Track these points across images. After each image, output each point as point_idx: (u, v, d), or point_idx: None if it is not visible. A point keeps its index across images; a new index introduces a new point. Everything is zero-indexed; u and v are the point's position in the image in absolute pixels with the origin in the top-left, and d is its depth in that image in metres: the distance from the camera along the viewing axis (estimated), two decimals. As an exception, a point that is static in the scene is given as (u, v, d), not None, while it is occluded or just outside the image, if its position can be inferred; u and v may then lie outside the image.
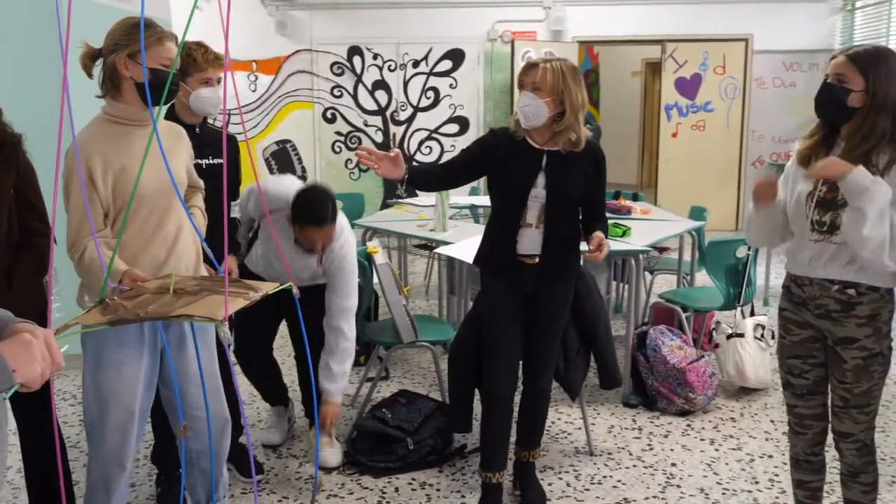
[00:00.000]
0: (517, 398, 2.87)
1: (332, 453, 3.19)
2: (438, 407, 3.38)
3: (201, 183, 2.57)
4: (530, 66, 2.60)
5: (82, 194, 2.09)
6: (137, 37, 2.10)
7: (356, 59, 8.86)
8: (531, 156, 2.65)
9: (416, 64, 8.84)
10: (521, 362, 2.86)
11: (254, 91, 8.75)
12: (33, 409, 2.30)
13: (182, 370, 2.29)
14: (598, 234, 2.62)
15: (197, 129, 2.82)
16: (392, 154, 2.51)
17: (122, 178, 2.15)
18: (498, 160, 2.69)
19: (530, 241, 2.68)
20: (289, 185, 3.03)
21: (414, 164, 2.71)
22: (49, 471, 2.37)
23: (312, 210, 2.90)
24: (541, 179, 2.64)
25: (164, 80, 2.08)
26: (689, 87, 8.88)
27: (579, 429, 3.56)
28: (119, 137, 2.18)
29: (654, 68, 11.37)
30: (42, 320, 2.19)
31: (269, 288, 1.41)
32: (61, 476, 1.53)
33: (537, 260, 2.68)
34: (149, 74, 2.12)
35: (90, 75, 2.24)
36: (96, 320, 1.29)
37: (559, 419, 3.68)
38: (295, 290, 1.48)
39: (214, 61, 2.76)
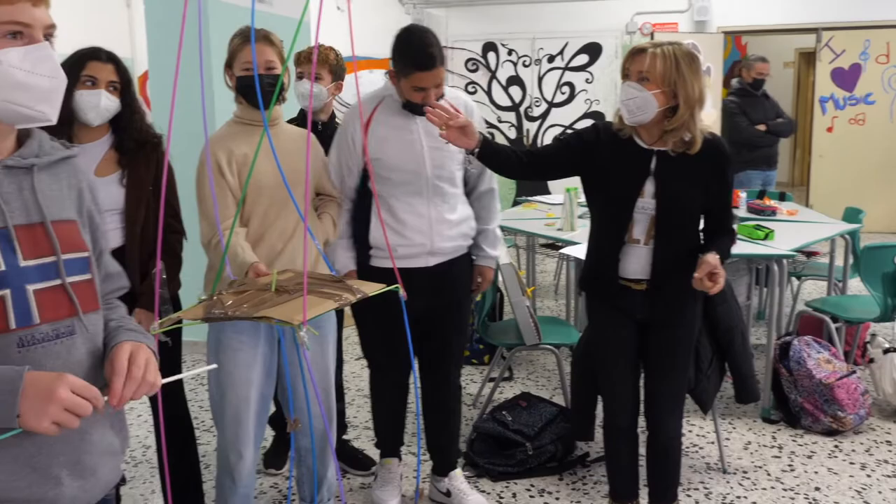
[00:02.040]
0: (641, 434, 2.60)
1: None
2: (560, 412, 3.28)
3: (337, 193, 2.58)
4: (637, 52, 2.23)
5: (216, 189, 2.22)
6: (230, 46, 2.31)
7: (490, 56, 8.83)
8: (638, 158, 2.29)
9: (551, 59, 8.71)
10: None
11: (390, 89, 8.91)
12: (164, 393, 2.41)
13: (297, 364, 2.33)
14: (710, 258, 2.15)
15: (319, 126, 2.92)
16: (461, 122, 2.25)
17: (246, 168, 2.25)
18: (600, 162, 2.33)
19: (636, 262, 2.32)
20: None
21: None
22: (178, 452, 2.48)
23: (417, 49, 2.40)
24: (649, 187, 2.27)
25: (250, 84, 2.25)
26: (847, 77, 8.22)
27: (712, 443, 3.35)
28: (244, 136, 2.30)
29: (807, 58, 10.65)
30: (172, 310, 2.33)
31: (370, 289, 1.37)
32: (166, 460, 1.56)
33: (645, 286, 2.33)
34: (234, 82, 2.31)
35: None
36: (196, 315, 1.31)
37: (690, 431, 3.48)
38: (402, 293, 1.43)
39: (305, 60, 3.06)
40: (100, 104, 2.21)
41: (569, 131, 8.64)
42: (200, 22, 1.47)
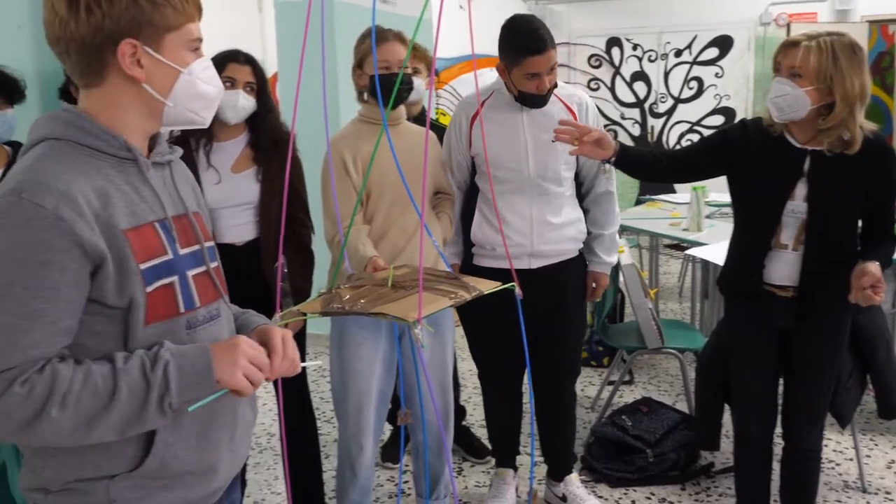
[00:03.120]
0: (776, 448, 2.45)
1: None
2: (684, 419, 3.16)
3: (453, 192, 2.58)
4: (789, 45, 2.07)
5: (341, 186, 2.27)
6: (362, 47, 2.35)
7: (615, 51, 8.63)
8: (790, 158, 2.13)
9: (678, 53, 8.41)
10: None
11: (511, 87, 8.88)
12: (288, 381, 2.49)
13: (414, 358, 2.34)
14: (871, 267, 1.99)
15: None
16: (594, 136, 2.19)
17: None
18: (746, 160, 2.20)
19: (784, 268, 2.17)
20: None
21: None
22: (300, 441, 2.55)
23: (525, 34, 2.32)
24: (801, 189, 2.12)
25: (384, 83, 2.23)
26: None
27: (850, 460, 3.13)
28: (368, 134, 2.34)
29: (966, 47, 9.77)
30: (304, 298, 2.40)
31: (487, 287, 1.35)
32: (285, 448, 1.60)
33: (792, 293, 2.18)
34: (366, 81, 2.33)
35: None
36: (315, 309, 1.33)
37: (826, 446, 3.25)
38: (518, 291, 1.41)
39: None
40: (237, 103, 2.31)
41: (696, 129, 8.36)
42: (323, 23, 1.50)
